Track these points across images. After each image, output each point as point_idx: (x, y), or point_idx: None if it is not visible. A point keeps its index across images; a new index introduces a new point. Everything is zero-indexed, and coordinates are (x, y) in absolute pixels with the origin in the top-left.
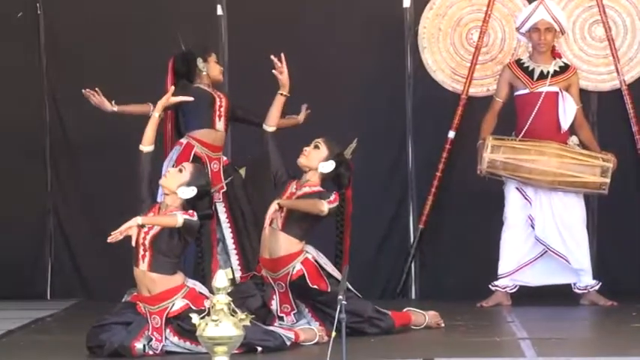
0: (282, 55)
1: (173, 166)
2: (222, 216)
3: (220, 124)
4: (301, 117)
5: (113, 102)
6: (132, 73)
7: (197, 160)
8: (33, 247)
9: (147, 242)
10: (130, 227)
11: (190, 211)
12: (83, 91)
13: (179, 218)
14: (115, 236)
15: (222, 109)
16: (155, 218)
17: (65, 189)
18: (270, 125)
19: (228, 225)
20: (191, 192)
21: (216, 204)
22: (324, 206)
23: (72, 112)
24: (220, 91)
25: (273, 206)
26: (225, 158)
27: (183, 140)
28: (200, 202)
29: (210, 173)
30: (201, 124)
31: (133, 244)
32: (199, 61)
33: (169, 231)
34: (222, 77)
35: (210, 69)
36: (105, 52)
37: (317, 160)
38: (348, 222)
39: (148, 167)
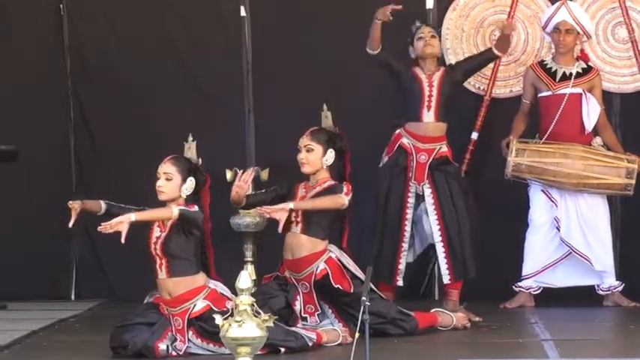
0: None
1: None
2: (432, 214)
3: (429, 116)
4: None
5: None
6: (154, 72)
7: (402, 150)
8: (58, 248)
9: (159, 251)
10: (120, 222)
11: (190, 204)
12: None
13: (174, 210)
14: (105, 227)
15: (433, 99)
16: (149, 212)
17: (90, 190)
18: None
19: (437, 223)
20: (191, 183)
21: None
22: (344, 199)
23: (96, 113)
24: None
25: (283, 208)
26: (445, 149)
27: (397, 130)
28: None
29: (415, 164)
30: (409, 116)
31: (123, 240)
32: (410, 49)
33: (175, 232)
34: (428, 49)
35: (416, 50)
36: (128, 51)
37: (318, 160)
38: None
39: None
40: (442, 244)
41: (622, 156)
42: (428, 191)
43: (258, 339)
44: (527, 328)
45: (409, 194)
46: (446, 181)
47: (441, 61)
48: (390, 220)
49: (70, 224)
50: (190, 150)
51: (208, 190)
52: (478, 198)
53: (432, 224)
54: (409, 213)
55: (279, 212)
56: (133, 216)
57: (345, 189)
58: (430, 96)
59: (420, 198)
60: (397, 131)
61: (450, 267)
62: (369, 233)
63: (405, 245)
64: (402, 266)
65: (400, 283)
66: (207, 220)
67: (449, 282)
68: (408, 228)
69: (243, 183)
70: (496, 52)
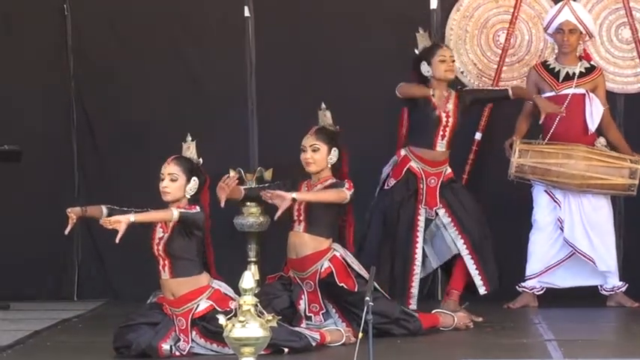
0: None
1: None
2: (451, 230)
3: (442, 145)
4: None
5: None
6: (157, 72)
7: (411, 174)
8: (60, 248)
9: (161, 252)
10: (118, 222)
11: (192, 204)
12: None
13: (174, 212)
14: (105, 222)
15: (448, 129)
16: (149, 214)
17: (93, 191)
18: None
19: (460, 237)
20: (195, 183)
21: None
22: (347, 193)
23: (99, 114)
24: (453, 96)
25: (285, 196)
26: (449, 171)
27: (402, 152)
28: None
29: (425, 188)
30: (421, 143)
31: (117, 241)
32: (423, 66)
33: (177, 233)
34: (449, 75)
35: (434, 70)
36: (132, 53)
37: (324, 159)
38: (351, 218)
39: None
40: (470, 256)
41: (625, 156)
42: (442, 211)
43: (261, 339)
44: (530, 328)
45: (419, 217)
46: (455, 196)
47: None
48: (401, 245)
49: (66, 232)
50: (190, 150)
51: (208, 190)
52: (481, 197)
53: (455, 239)
54: (419, 237)
55: (281, 199)
56: (132, 217)
57: (346, 184)
58: (446, 126)
59: (428, 220)
60: (403, 154)
61: (483, 277)
62: (371, 243)
63: (417, 269)
64: (414, 290)
65: (413, 305)
66: (207, 219)
67: (485, 292)
68: (419, 251)
69: (225, 185)
70: (511, 95)
